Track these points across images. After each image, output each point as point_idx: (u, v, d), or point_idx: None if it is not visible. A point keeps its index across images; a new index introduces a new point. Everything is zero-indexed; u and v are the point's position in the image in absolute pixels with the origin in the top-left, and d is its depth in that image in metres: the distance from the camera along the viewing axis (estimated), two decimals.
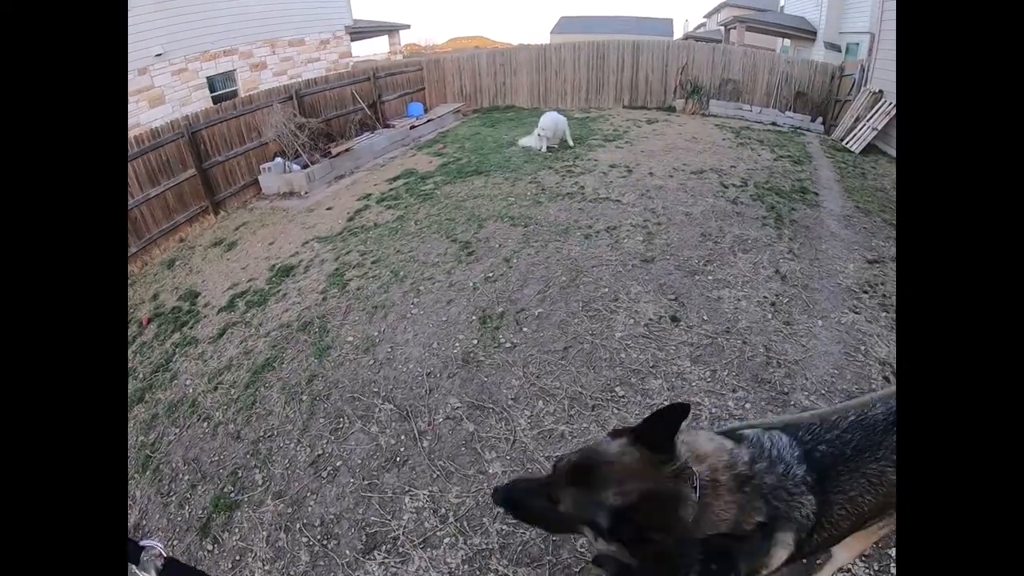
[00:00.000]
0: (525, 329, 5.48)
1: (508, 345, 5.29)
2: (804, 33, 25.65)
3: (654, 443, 1.63)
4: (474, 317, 5.79)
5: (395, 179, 11.25)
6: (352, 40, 21.57)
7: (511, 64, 18.11)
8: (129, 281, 9.21)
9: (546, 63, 17.73)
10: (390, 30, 23.50)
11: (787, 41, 28.03)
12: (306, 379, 5.38)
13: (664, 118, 15.34)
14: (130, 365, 6.55)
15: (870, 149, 12.85)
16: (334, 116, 14.70)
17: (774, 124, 16.02)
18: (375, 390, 5.04)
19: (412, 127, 15.34)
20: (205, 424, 5.18)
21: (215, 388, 5.66)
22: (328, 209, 10.28)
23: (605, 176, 9.63)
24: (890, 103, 12.81)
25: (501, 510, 2.65)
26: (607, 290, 5.97)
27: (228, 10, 16.45)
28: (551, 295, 5.98)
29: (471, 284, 6.42)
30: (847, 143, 13.43)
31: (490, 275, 6.55)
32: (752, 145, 12.27)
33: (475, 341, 5.41)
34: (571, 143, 12.16)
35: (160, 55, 14.66)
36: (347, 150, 13.13)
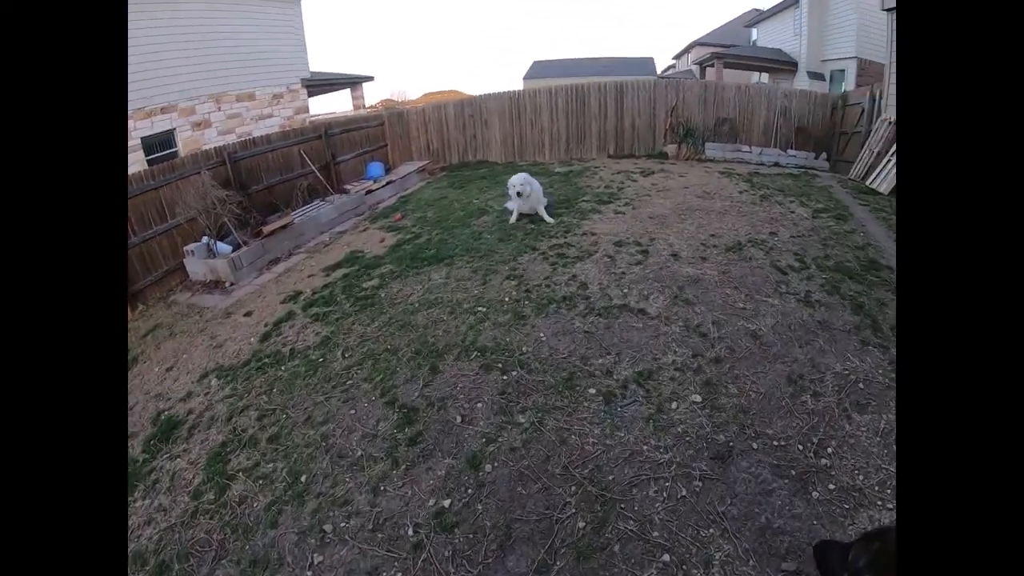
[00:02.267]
0: None
1: None
2: (784, 65, 23.06)
3: None
4: None
5: (335, 267, 8.11)
6: (311, 95, 18.50)
7: (481, 114, 15.06)
8: None
9: (520, 112, 14.70)
10: (352, 83, 20.16)
11: (764, 75, 25.38)
12: None
13: (659, 167, 12.34)
14: None
15: None
16: (278, 182, 11.58)
17: (777, 164, 13.33)
18: None
19: (368, 192, 12.23)
20: None
21: None
22: (246, 315, 7.15)
23: (612, 262, 6.50)
24: None
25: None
26: (669, 558, 2.82)
27: (165, 62, 13.26)
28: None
29: (410, 531, 3.28)
30: (872, 183, 10.64)
31: (445, 505, 3.39)
32: (775, 197, 9.31)
33: None
34: (548, 218, 8.63)
35: None
36: (284, 226, 9.95)
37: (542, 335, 5.01)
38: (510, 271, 6.58)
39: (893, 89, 11.38)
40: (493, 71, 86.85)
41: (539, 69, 35.69)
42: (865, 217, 8.34)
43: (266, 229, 9.61)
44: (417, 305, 6.08)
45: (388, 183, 12.91)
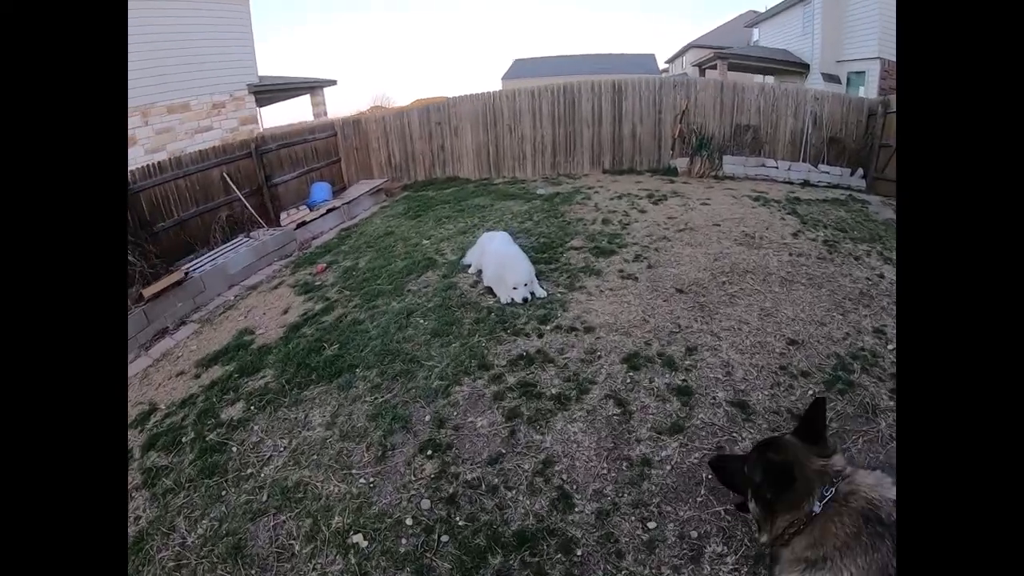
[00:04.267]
0: None
1: None
2: (792, 66, 19.93)
3: (807, 436, 1.62)
4: None
5: (212, 361, 5.05)
6: (262, 103, 15.22)
7: (450, 121, 11.92)
8: None
9: (496, 117, 11.56)
10: (311, 87, 16.64)
11: (768, 78, 22.21)
12: None
13: (670, 188, 9.23)
14: None
15: None
16: (193, 215, 8.46)
17: (807, 183, 10.42)
18: None
19: (300, 224, 9.07)
20: None
21: None
22: None
23: (625, 419, 3.35)
24: None
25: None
26: None
27: None
28: None
29: None
30: None
31: None
32: (842, 243, 6.33)
33: None
34: (524, 296, 5.07)
35: None
36: (178, 283, 6.77)
37: None
38: (432, 425, 3.45)
39: None
40: (478, 72, 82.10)
41: (521, 68, 31.49)
42: None
43: (147, 292, 6.42)
44: (266, 497, 2.99)
45: (330, 211, 9.76)
